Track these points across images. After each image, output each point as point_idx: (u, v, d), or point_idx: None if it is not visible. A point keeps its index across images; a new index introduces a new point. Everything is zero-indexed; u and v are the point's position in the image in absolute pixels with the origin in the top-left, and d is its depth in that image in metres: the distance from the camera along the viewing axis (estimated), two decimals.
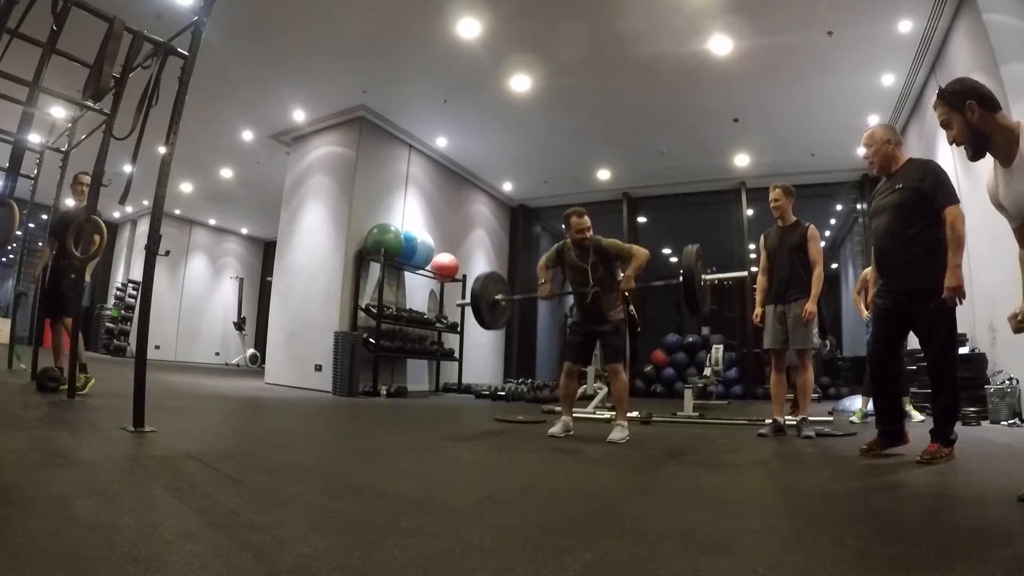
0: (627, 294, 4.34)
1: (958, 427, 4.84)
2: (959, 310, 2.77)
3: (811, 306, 4.03)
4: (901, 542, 1.56)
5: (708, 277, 4.78)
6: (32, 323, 8.25)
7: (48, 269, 4.76)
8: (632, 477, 2.52)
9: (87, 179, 4.51)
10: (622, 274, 3.89)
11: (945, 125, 2.13)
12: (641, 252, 3.85)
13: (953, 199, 2.84)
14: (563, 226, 3.97)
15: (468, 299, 4.99)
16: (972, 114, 2.02)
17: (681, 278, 4.26)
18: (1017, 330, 2.08)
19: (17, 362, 6.17)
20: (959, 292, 2.70)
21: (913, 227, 2.91)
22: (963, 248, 2.76)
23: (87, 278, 4.69)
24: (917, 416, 5.23)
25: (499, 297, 4.92)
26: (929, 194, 2.87)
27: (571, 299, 4.67)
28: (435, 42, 6.50)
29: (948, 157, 6.20)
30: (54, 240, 4.67)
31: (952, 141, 2.13)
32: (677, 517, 1.86)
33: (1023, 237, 2.12)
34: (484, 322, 4.83)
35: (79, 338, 4.16)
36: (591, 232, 3.89)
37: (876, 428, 3.22)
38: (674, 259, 15.70)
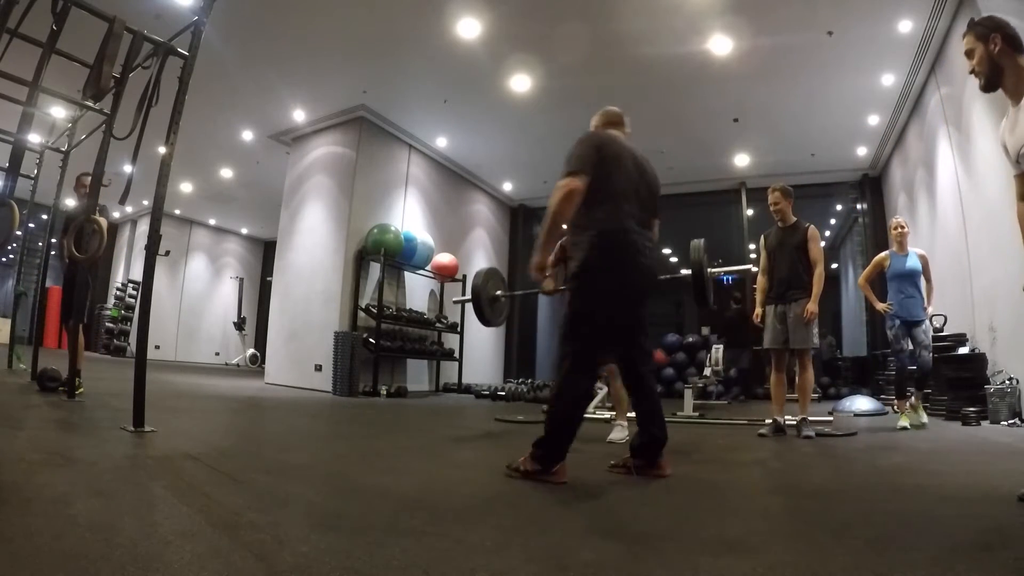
0: None
1: (956, 427, 4.86)
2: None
3: (812, 306, 4.04)
4: (901, 542, 1.56)
5: (714, 270, 4.79)
6: (32, 323, 8.25)
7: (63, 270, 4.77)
8: (632, 477, 2.51)
9: (88, 180, 4.54)
10: None
11: (969, 54, 2.23)
12: None
13: (565, 168, 2.36)
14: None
15: (468, 295, 4.95)
16: (994, 46, 2.11)
17: (690, 271, 4.26)
18: None
19: (17, 362, 6.17)
20: (536, 268, 2.61)
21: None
22: (555, 225, 2.41)
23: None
24: (923, 417, 5.21)
25: (499, 293, 4.91)
26: None
27: None
28: (435, 42, 6.49)
29: (948, 158, 6.20)
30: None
31: (971, 71, 2.23)
32: (677, 517, 1.86)
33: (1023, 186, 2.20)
34: (484, 318, 4.77)
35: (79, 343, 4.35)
36: None
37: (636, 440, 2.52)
38: (674, 259, 15.74)
